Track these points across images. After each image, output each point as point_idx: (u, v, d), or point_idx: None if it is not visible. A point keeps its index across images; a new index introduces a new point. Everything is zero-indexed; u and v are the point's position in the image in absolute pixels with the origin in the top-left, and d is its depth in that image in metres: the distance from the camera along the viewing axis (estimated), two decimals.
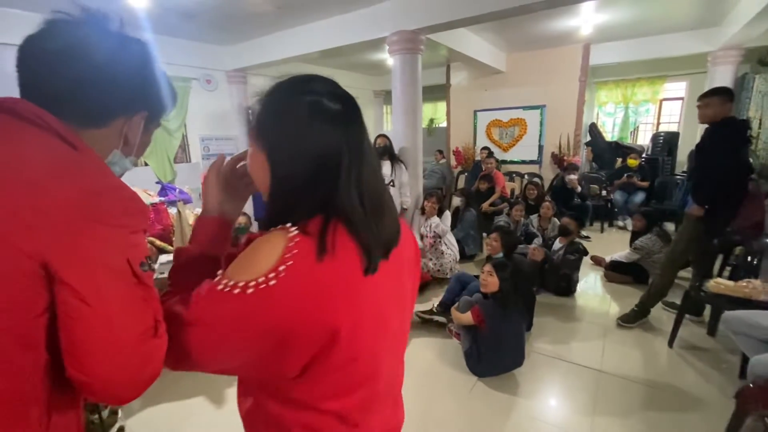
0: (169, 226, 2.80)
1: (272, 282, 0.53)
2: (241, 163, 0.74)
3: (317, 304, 0.56)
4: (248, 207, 5.09)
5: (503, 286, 2.28)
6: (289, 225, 0.58)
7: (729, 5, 4.22)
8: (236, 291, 0.53)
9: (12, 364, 0.51)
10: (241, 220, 3.73)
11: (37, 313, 0.51)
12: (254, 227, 3.83)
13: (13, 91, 0.60)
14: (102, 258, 0.52)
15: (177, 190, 3.39)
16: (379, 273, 0.62)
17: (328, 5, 3.90)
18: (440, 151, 7.30)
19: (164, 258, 2.44)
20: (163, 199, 3.04)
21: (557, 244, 3.55)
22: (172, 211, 2.92)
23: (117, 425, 1.72)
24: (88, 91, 0.60)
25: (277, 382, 0.63)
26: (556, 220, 4.10)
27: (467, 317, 2.33)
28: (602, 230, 5.44)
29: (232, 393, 2.21)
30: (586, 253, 3.45)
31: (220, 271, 0.57)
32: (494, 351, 2.24)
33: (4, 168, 0.50)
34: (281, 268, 0.53)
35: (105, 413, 1.69)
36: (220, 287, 0.54)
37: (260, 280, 0.53)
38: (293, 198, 0.60)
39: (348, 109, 0.61)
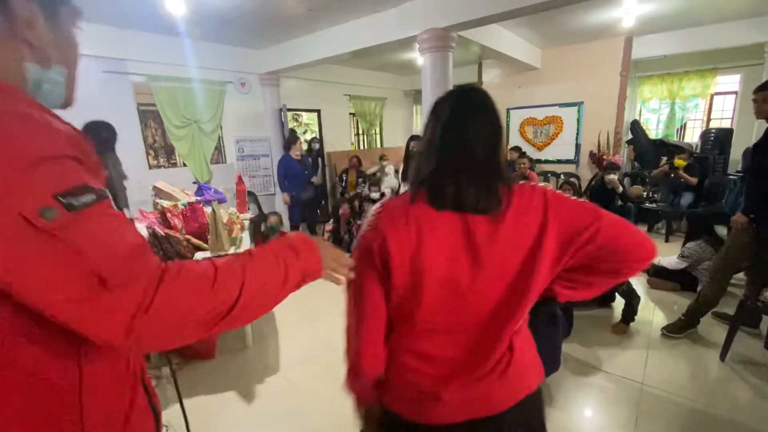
0: (204, 225, 2.88)
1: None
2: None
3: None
4: (281, 208, 5.19)
5: None
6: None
7: None
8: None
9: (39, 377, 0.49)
10: (273, 219, 3.82)
11: None
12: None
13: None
14: None
15: (212, 190, 3.51)
16: (444, 224, 0.78)
17: (359, 5, 3.90)
18: None
19: (200, 255, 2.52)
20: (199, 198, 3.15)
21: None
22: (208, 210, 3.02)
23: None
24: None
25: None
26: None
27: None
28: (667, 239, 4.77)
29: (263, 387, 2.26)
30: None
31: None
32: None
33: None
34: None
35: None
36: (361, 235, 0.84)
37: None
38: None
39: None
